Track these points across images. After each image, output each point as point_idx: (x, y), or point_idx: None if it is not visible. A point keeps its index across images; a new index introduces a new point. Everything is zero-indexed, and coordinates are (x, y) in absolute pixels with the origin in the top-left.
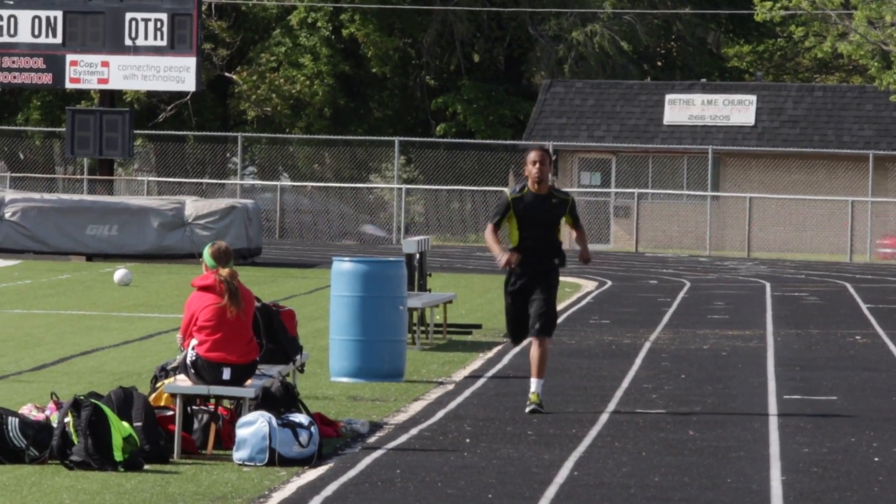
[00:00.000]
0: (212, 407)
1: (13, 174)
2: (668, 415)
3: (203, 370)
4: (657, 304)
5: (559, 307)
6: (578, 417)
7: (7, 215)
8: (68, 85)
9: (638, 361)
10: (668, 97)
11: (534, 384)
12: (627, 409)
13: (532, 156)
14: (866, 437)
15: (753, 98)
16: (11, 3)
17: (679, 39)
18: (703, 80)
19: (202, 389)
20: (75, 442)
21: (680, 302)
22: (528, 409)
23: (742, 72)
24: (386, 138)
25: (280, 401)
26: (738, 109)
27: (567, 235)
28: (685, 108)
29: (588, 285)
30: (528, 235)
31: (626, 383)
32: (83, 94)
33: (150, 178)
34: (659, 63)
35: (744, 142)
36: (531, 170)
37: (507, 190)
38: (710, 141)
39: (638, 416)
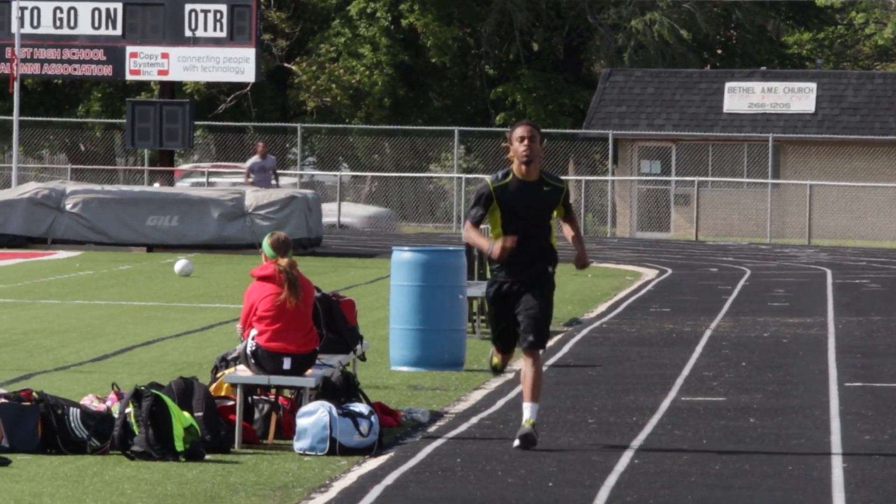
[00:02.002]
0: (272, 397)
1: (74, 166)
2: (729, 402)
3: (263, 360)
4: (717, 292)
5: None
6: (639, 405)
7: (68, 207)
8: (128, 77)
9: (698, 349)
10: (728, 85)
11: (528, 410)
12: (688, 397)
13: (520, 131)
14: None
15: (814, 86)
16: None
17: (739, 27)
18: (763, 68)
19: (262, 379)
20: (136, 432)
21: (740, 289)
22: (517, 444)
23: (802, 59)
24: (445, 128)
25: (340, 390)
26: (799, 97)
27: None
28: (745, 96)
29: (648, 273)
30: (515, 232)
31: (686, 371)
32: (143, 86)
33: (211, 169)
34: (718, 51)
35: (804, 129)
36: (518, 148)
37: (487, 178)
38: (770, 129)
39: (698, 403)
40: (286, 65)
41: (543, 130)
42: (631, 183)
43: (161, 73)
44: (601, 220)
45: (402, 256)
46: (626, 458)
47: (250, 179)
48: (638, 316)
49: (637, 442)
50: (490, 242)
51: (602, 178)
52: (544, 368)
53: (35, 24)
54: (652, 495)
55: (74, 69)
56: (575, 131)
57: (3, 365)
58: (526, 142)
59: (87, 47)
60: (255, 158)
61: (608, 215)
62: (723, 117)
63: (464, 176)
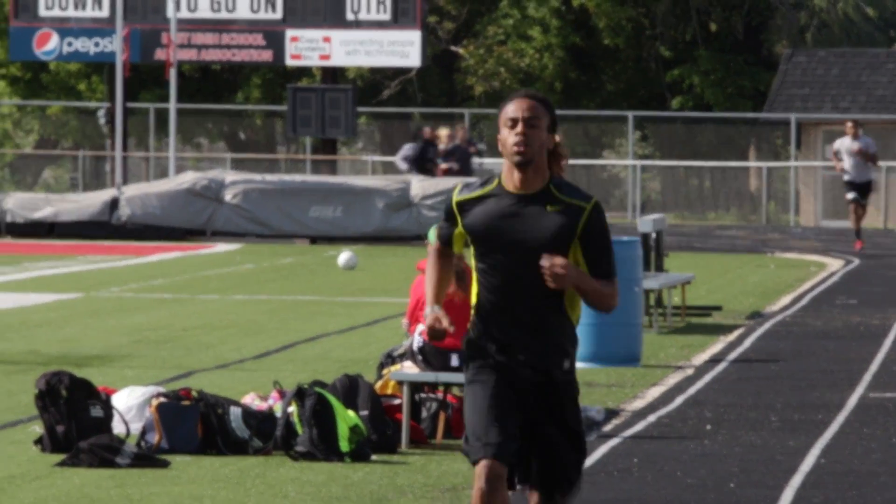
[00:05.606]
0: (440, 395)
1: (234, 155)
2: None
3: (431, 356)
4: None
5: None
6: (825, 402)
7: (228, 198)
8: (289, 62)
9: (888, 343)
10: None
11: None
12: (877, 393)
13: (511, 109)
14: None
15: None
16: None
17: None
18: None
19: (430, 376)
20: (299, 432)
21: None
22: None
23: None
24: (619, 112)
25: None
26: None
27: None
28: None
29: (834, 264)
30: (495, 284)
31: (874, 366)
32: (304, 72)
33: (375, 158)
34: None
35: None
36: (507, 139)
37: (458, 186)
38: None
39: (888, 400)
40: (453, 48)
41: (722, 114)
42: (815, 169)
43: (322, 57)
44: (784, 207)
45: None
46: (811, 458)
47: (842, 164)
48: (823, 308)
49: (823, 440)
50: (431, 304)
51: (784, 164)
52: (725, 364)
53: (192, 7)
54: (839, 497)
55: (233, 54)
56: (756, 115)
57: (161, 362)
58: (520, 126)
59: (245, 31)
60: (846, 139)
61: (791, 203)
62: None
63: (639, 163)
